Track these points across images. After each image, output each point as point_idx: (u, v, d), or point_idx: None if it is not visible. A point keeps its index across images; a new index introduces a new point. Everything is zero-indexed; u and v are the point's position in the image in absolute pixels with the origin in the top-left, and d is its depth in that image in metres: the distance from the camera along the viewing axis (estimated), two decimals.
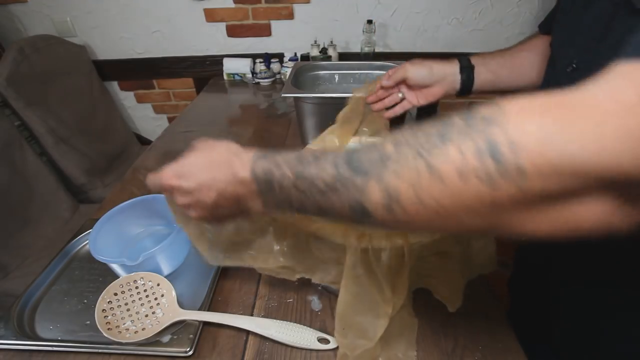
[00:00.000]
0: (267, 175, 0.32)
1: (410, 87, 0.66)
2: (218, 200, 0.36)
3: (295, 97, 0.87)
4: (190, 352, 0.48)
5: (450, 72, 0.65)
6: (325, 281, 0.48)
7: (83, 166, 1.39)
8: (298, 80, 0.99)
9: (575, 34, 0.49)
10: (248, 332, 0.51)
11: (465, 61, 0.65)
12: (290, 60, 1.55)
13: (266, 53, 1.57)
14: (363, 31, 1.49)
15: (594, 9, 0.46)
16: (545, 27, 0.65)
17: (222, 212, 0.38)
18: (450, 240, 0.44)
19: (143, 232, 0.68)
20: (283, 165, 0.31)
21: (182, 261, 0.63)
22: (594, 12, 0.46)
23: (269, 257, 0.49)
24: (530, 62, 0.65)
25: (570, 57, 0.49)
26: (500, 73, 0.66)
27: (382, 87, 0.68)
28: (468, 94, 0.67)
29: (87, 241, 0.64)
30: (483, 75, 0.66)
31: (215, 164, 0.36)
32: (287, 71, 1.51)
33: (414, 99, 0.68)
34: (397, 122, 0.81)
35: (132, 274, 0.55)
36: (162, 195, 0.65)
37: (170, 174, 0.39)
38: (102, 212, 0.62)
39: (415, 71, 0.64)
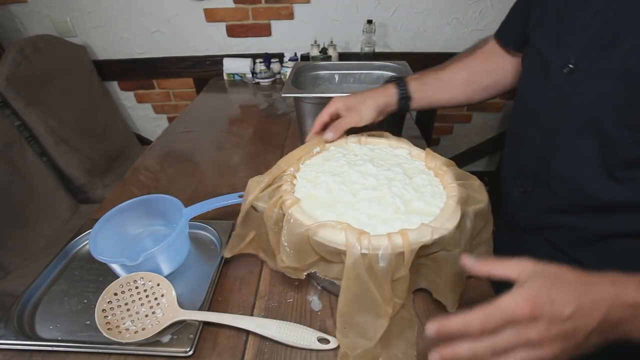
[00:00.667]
0: None
1: None
2: (597, 326, 0.30)
3: (295, 97, 0.87)
4: (190, 352, 0.48)
5: (391, 103, 0.66)
6: (329, 276, 0.48)
7: (83, 166, 1.39)
8: (298, 80, 0.99)
9: (571, 32, 0.47)
10: (248, 332, 0.51)
11: (403, 90, 0.67)
12: (290, 60, 1.55)
13: (266, 53, 1.57)
14: (363, 31, 1.49)
15: (596, 3, 0.44)
16: (505, 35, 0.66)
17: (590, 343, 0.31)
18: (450, 241, 0.44)
19: (143, 232, 0.68)
20: None
21: (182, 261, 0.63)
22: (596, 7, 0.44)
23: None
24: (465, 82, 0.70)
25: (566, 58, 0.48)
26: (437, 97, 0.69)
27: (327, 142, 0.64)
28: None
29: (87, 241, 0.64)
30: (419, 101, 0.68)
31: (585, 284, 0.31)
32: (287, 71, 1.51)
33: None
34: (395, 125, 0.81)
35: (132, 274, 0.55)
36: (162, 196, 0.66)
37: (538, 300, 0.30)
38: (102, 212, 0.62)
39: (365, 118, 0.62)
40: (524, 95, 0.59)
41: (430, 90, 0.69)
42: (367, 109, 0.63)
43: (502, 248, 0.66)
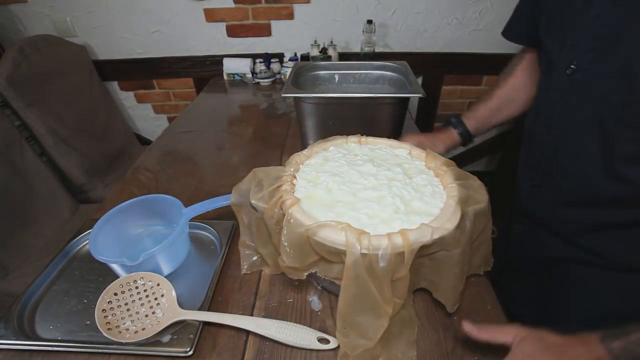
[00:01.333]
0: (627, 352, 0.37)
1: None
2: None
3: (295, 97, 0.87)
4: (190, 352, 0.48)
5: (456, 142, 0.77)
6: (329, 276, 0.48)
7: (83, 166, 1.39)
8: (298, 80, 0.99)
9: (573, 35, 0.49)
10: (248, 332, 0.51)
11: (462, 130, 0.77)
12: (290, 60, 1.55)
13: (266, 53, 1.57)
14: (363, 31, 1.49)
15: (595, 8, 0.46)
16: (513, 33, 0.68)
17: None
18: (450, 241, 0.44)
19: (143, 232, 0.68)
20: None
21: (182, 261, 0.63)
22: (596, 11, 0.46)
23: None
24: (512, 101, 0.74)
25: (569, 59, 0.50)
26: (490, 122, 0.77)
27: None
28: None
29: (87, 241, 0.64)
30: (478, 131, 0.78)
31: (562, 345, 0.39)
32: (287, 71, 1.51)
33: None
34: (395, 125, 0.82)
35: (132, 274, 0.55)
36: (162, 196, 0.66)
37: None
38: (102, 212, 0.62)
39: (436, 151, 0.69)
40: (536, 95, 0.62)
41: (485, 122, 0.77)
42: (439, 144, 0.75)
43: (516, 242, 0.71)
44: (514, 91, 0.73)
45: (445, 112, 1.85)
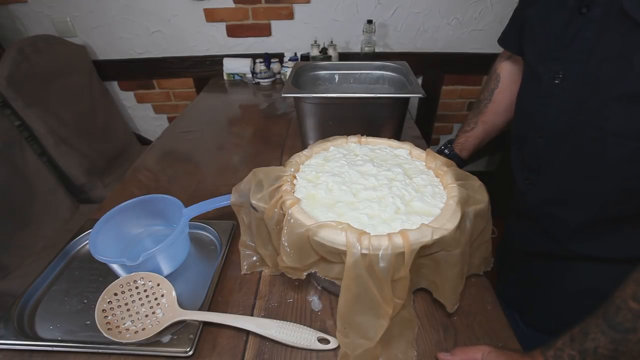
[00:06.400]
0: (556, 358, 0.41)
1: None
2: None
3: (295, 97, 0.87)
4: (190, 352, 0.48)
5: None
6: (329, 277, 0.48)
7: (83, 166, 1.39)
8: (298, 80, 0.99)
9: (558, 48, 0.53)
10: (248, 332, 0.51)
11: (460, 163, 0.83)
12: (290, 60, 1.55)
13: (266, 53, 1.57)
14: (363, 31, 1.49)
15: (574, 24, 0.50)
16: (508, 42, 0.73)
17: None
18: (450, 241, 0.45)
19: (143, 232, 0.68)
20: (566, 349, 0.41)
21: (182, 261, 0.63)
22: (576, 27, 0.50)
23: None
24: (495, 125, 0.81)
25: (555, 70, 0.53)
26: (479, 147, 0.84)
27: None
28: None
29: (87, 241, 0.64)
30: (469, 158, 0.85)
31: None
32: (287, 71, 1.51)
33: None
34: (395, 125, 0.82)
35: (132, 274, 0.55)
36: (162, 196, 0.66)
37: None
38: (102, 212, 0.62)
39: None
40: (522, 101, 0.65)
41: (475, 149, 0.84)
42: None
43: (510, 236, 0.75)
44: (496, 116, 0.79)
45: (445, 112, 1.85)
